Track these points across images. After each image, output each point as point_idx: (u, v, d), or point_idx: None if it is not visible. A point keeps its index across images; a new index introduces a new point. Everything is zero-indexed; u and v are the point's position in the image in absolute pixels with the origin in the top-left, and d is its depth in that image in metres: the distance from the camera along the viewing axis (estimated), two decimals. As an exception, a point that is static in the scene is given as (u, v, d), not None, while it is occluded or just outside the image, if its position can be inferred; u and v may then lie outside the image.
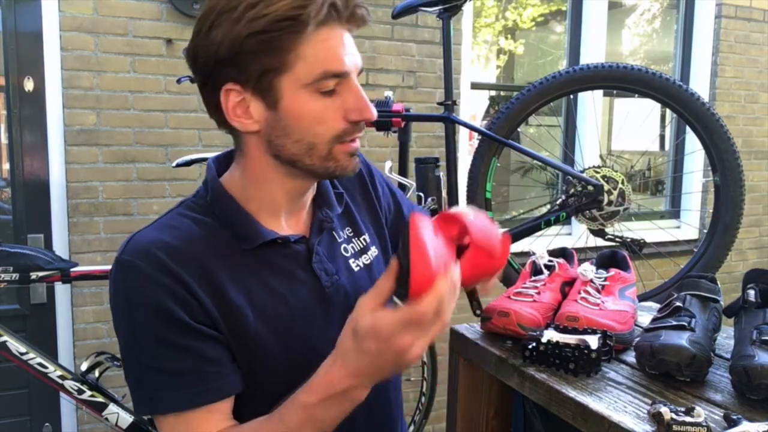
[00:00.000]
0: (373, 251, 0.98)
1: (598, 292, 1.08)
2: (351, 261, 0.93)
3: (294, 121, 0.78)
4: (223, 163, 0.92)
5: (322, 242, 0.90)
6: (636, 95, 1.81)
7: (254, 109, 0.79)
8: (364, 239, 0.97)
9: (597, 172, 1.74)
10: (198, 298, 0.77)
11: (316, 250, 0.88)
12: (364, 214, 1.00)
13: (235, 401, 0.82)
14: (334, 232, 0.93)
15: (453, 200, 1.79)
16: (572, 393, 0.84)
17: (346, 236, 0.95)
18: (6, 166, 2.31)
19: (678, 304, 0.96)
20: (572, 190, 1.75)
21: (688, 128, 1.86)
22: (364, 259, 0.95)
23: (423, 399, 2.22)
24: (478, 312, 1.87)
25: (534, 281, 1.14)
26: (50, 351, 2.31)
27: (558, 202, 1.78)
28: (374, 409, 0.90)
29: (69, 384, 1.49)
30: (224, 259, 0.81)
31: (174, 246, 0.79)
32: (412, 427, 2.22)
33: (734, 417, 0.71)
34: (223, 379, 0.79)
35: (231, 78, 0.77)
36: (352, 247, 0.95)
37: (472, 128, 2.02)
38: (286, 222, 0.89)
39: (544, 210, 1.86)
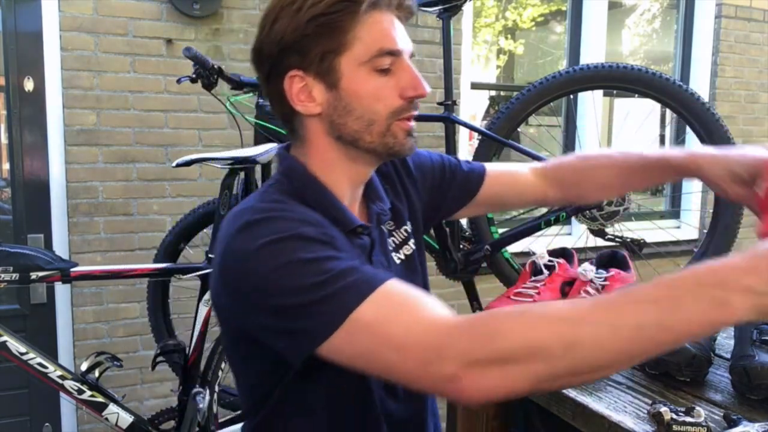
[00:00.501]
0: (411, 244, 1.00)
1: (599, 292, 1.08)
2: (393, 254, 0.96)
3: (354, 98, 0.82)
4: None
5: (378, 235, 0.93)
6: (636, 95, 1.81)
7: (316, 92, 0.83)
8: (405, 230, 0.99)
9: (597, 172, 1.74)
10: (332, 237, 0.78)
11: (376, 241, 0.91)
12: (404, 205, 1.01)
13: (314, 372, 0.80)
14: (382, 226, 0.95)
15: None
16: (572, 393, 0.84)
17: (388, 230, 0.97)
18: (6, 166, 2.31)
19: (678, 304, 0.95)
20: (572, 190, 1.74)
21: (688, 128, 1.86)
22: (405, 250, 0.98)
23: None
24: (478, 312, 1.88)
25: (534, 281, 1.15)
26: (50, 351, 2.30)
27: (558, 202, 1.78)
28: None
29: (69, 384, 1.49)
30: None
31: (294, 205, 0.80)
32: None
33: (734, 417, 0.72)
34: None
35: (294, 65, 0.83)
36: (394, 240, 0.97)
37: (472, 128, 2.02)
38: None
39: (544, 210, 1.86)
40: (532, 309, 0.66)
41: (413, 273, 0.98)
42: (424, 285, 0.99)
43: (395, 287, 0.71)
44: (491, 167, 1.13)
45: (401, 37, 0.84)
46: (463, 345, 0.63)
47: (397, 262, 0.95)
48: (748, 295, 0.56)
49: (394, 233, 0.97)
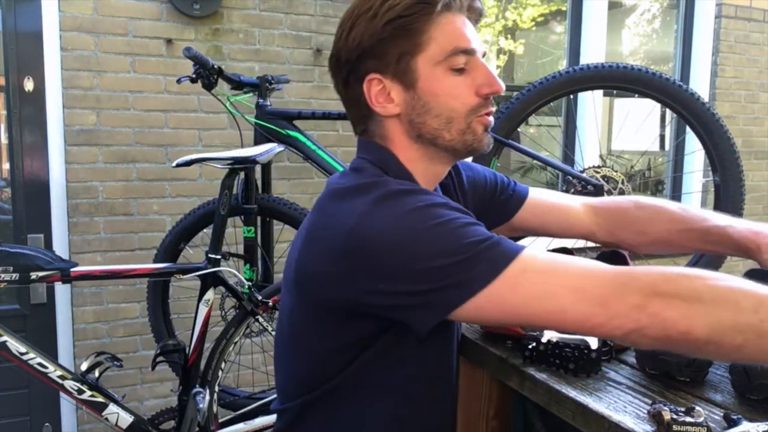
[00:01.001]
0: None
1: (598, 292, 1.08)
2: None
3: (432, 97, 0.85)
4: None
5: None
6: (636, 95, 1.81)
7: (395, 93, 0.86)
8: None
9: (597, 172, 1.74)
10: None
11: None
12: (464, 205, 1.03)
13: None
14: None
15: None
16: (572, 393, 0.84)
17: None
18: (6, 166, 2.31)
19: (678, 304, 0.95)
20: (572, 190, 1.74)
21: (688, 128, 1.86)
22: None
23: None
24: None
25: (534, 281, 1.14)
26: (50, 351, 2.31)
27: (558, 202, 1.78)
28: None
29: (69, 384, 1.49)
30: None
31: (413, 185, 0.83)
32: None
33: (734, 417, 0.71)
34: None
35: (372, 68, 0.86)
36: None
37: (472, 128, 2.02)
38: None
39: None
40: (713, 273, 0.70)
41: None
42: None
43: (543, 251, 0.75)
44: (536, 193, 1.13)
45: (474, 37, 0.86)
46: (650, 279, 0.67)
47: None
48: None
49: None
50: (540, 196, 1.13)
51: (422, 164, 0.90)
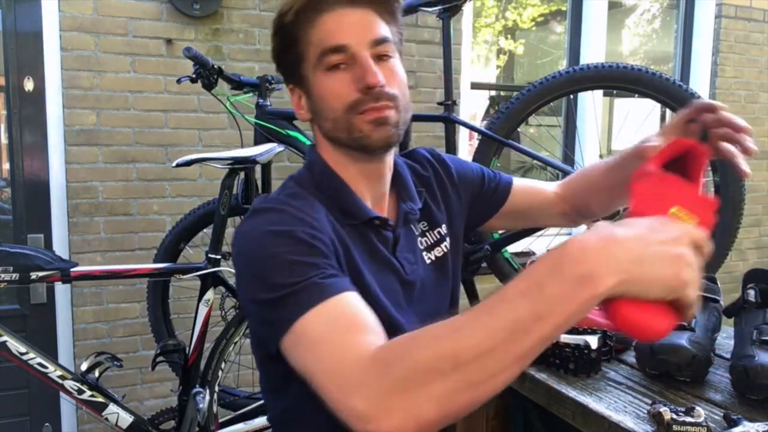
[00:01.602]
0: (444, 247, 1.00)
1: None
2: (425, 253, 0.97)
3: (321, 101, 0.86)
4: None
5: (405, 233, 0.94)
6: (636, 95, 1.81)
7: (303, 100, 0.90)
8: (438, 232, 1.00)
9: (597, 172, 1.74)
10: (333, 242, 0.80)
11: (401, 238, 0.92)
12: (441, 209, 1.02)
13: None
14: (412, 225, 0.97)
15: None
16: (572, 393, 0.84)
17: (421, 230, 0.98)
18: (6, 166, 2.31)
19: (678, 304, 0.95)
20: (572, 190, 1.74)
21: (688, 128, 1.86)
22: (437, 252, 0.99)
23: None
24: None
25: (534, 281, 1.14)
26: (50, 351, 2.31)
27: (558, 202, 1.78)
28: None
29: (69, 384, 1.49)
30: (341, 226, 0.85)
31: (304, 203, 0.82)
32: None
33: (734, 417, 0.71)
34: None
35: (287, 79, 0.91)
36: (426, 241, 0.99)
37: (472, 128, 2.02)
38: (373, 208, 0.92)
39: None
40: (422, 330, 0.62)
41: (443, 276, 0.99)
42: (453, 288, 1.01)
43: (346, 302, 0.71)
44: (518, 181, 1.14)
45: (350, 31, 0.83)
46: (370, 380, 0.60)
47: (427, 261, 0.97)
48: (611, 263, 0.54)
49: (427, 234, 0.99)
50: (522, 183, 1.14)
51: (348, 162, 0.89)
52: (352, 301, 0.72)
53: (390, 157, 0.92)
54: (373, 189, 0.92)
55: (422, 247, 0.97)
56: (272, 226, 0.78)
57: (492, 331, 0.56)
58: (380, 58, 0.85)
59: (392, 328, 0.78)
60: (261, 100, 1.92)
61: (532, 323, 0.54)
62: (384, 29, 0.86)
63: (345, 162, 0.89)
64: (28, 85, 2.25)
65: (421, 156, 1.06)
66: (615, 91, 3.22)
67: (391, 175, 0.95)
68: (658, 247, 0.55)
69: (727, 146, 0.83)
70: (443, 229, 1.01)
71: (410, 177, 0.99)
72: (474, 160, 1.80)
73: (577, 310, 0.54)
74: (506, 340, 0.55)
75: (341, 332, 0.68)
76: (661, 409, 0.72)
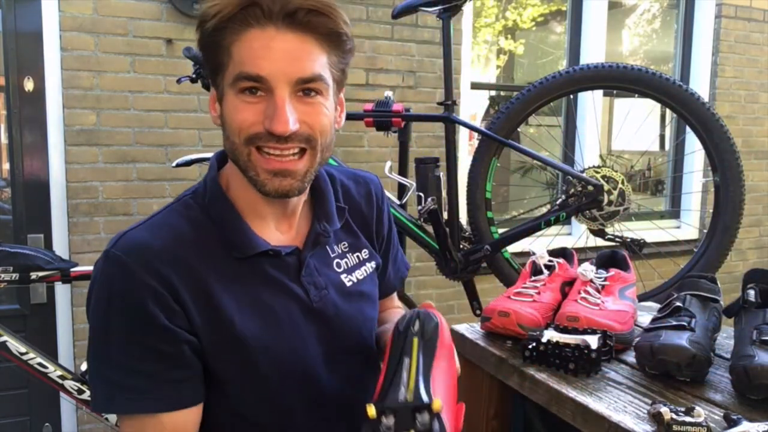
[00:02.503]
0: (370, 267, 0.97)
1: (598, 292, 1.08)
2: (343, 276, 0.92)
3: (227, 120, 0.79)
4: (226, 158, 0.90)
5: (315, 256, 0.89)
6: (636, 95, 1.81)
7: (217, 105, 0.83)
8: (361, 255, 0.96)
9: (597, 172, 1.74)
10: (182, 303, 0.77)
11: (307, 263, 0.87)
12: (365, 232, 0.99)
13: (218, 408, 0.82)
14: (328, 247, 0.92)
15: (453, 200, 1.79)
16: (572, 393, 0.84)
17: (340, 251, 0.94)
18: (6, 166, 2.31)
19: (678, 304, 0.96)
20: (572, 190, 1.75)
21: (688, 128, 1.86)
22: (358, 274, 0.94)
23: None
24: (478, 312, 1.88)
25: (534, 281, 1.15)
26: (50, 351, 2.31)
27: (558, 202, 1.78)
28: None
29: (69, 384, 1.49)
30: (215, 264, 0.80)
31: (165, 247, 0.78)
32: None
33: (734, 417, 0.71)
34: (189, 389, 0.78)
35: (207, 73, 0.84)
36: (346, 262, 0.94)
37: (472, 128, 2.02)
38: (277, 228, 0.88)
39: (544, 210, 1.86)
40: None
41: (363, 299, 0.94)
42: (374, 308, 0.97)
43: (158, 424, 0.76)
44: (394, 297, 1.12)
45: (275, 60, 0.74)
46: None
47: (348, 284, 0.92)
48: None
49: (347, 255, 0.94)
50: (390, 302, 1.10)
51: (247, 187, 0.82)
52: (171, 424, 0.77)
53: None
54: (276, 211, 0.86)
55: (341, 270, 0.92)
56: (117, 294, 0.75)
57: None
58: (306, 92, 0.77)
59: (291, 365, 0.83)
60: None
61: None
62: (318, 64, 0.77)
63: (244, 183, 0.82)
64: (28, 85, 2.25)
65: (367, 183, 1.01)
66: (615, 91, 3.23)
67: (310, 189, 0.89)
68: None
69: None
70: (366, 252, 0.97)
71: (331, 194, 0.93)
72: (474, 160, 1.80)
73: None
74: None
75: None
76: (661, 409, 0.72)
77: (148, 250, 0.77)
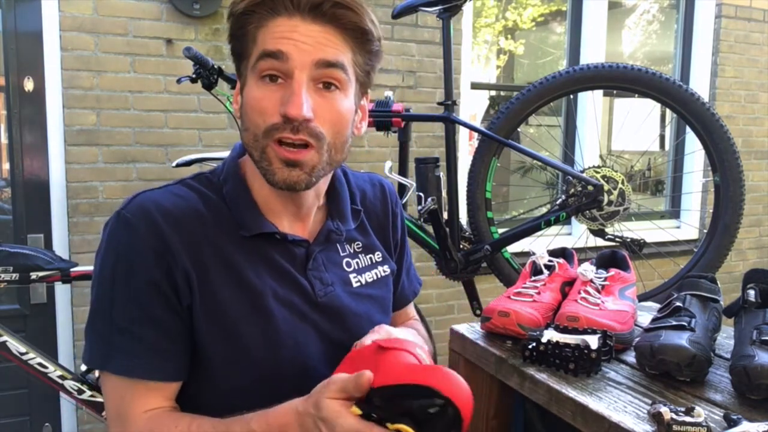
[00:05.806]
0: (382, 270, 0.96)
1: (598, 292, 1.08)
2: (352, 276, 0.92)
3: (246, 107, 0.80)
4: None
5: (324, 251, 0.89)
6: (636, 95, 1.82)
7: (240, 97, 0.84)
8: (374, 257, 0.96)
9: (597, 172, 1.74)
10: (182, 271, 0.78)
11: (315, 256, 0.87)
12: (380, 235, 0.99)
13: (205, 387, 0.83)
14: (339, 245, 0.92)
15: (453, 200, 1.79)
16: (572, 393, 0.84)
17: (352, 251, 0.94)
18: (6, 166, 2.31)
19: (678, 304, 0.96)
20: (572, 190, 1.75)
21: (688, 128, 1.86)
22: (368, 276, 0.94)
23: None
24: (478, 312, 1.88)
25: (534, 281, 1.14)
26: (50, 351, 2.31)
27: (558, 202, 1.79)
28: None
29: (69, 384, 1.49)
30: (221, 239, 0.81)
31: (174, 215, 0.79)
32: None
33: (734, 417, 0.71)
34: (178, 362, 0.80)
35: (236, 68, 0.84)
36: (357, 263, 0.93)
37: (472, 128, 2.02)
38: (291, 227, 0.88)
39: (544, 210, 1.86)
40: (184, 419, 0.77)
41: (371, 301, 0.93)
42: (383, 312, 0.96)
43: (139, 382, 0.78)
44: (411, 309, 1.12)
45: (297, 42, 0.75)
46: None
47: (355, 284, 0.91)
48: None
49: (359, 255, 0.94)
50: (409, 309, 1.11)
51: (260, 185, 0.83)
52: (157, 394, 0.79)
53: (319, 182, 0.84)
54: (289, 209, 0.86)
55: (350, 269, 0.92)
56: (122, 249, 0.78)
57: None
58: (325, 85, 0.77)
59: (290, 351, 0.83)
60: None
61: None
62: (341, 54, 0.77)
63: (260, 177, 0.82)
64: (28, 85, 2.25)
65: (382, 187, 1.01)
66: (615, 91, 3.23)
67: (328, 188, 0.90)
68: None
69: None
70: (380, 255, 0.96)
71: (347, 195, 0.94)
72: (474, 160, 1.81)
73: None
74: None
75: (133, 403, 0.78)
76: (661, 409, 0.72)
77: (156, 213, 0.78)
